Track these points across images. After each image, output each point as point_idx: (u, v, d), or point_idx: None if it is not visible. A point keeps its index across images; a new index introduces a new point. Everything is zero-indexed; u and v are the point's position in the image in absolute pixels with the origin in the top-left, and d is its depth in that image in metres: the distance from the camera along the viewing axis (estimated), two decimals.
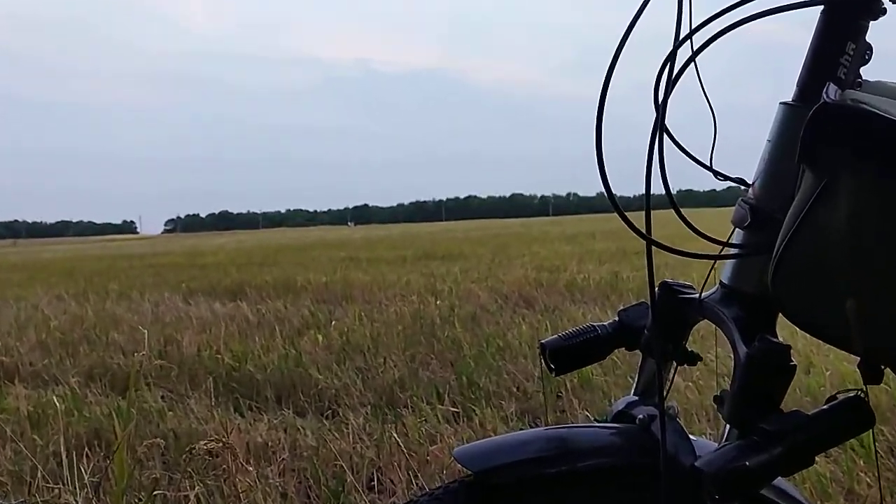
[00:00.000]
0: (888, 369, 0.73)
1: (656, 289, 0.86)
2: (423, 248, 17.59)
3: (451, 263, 11.90)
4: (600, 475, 0.80)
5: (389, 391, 3.61)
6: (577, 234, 21.67)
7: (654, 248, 0.77)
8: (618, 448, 0.81)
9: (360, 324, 5.63)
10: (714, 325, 0.81)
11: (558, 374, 0.92)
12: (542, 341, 0.92)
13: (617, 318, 0.92)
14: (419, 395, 3.48)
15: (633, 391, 0.93)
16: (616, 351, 0.93)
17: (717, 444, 0.77)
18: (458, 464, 0.78)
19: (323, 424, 3.14)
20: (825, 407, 0.73)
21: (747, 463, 0.70)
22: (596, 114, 0.72)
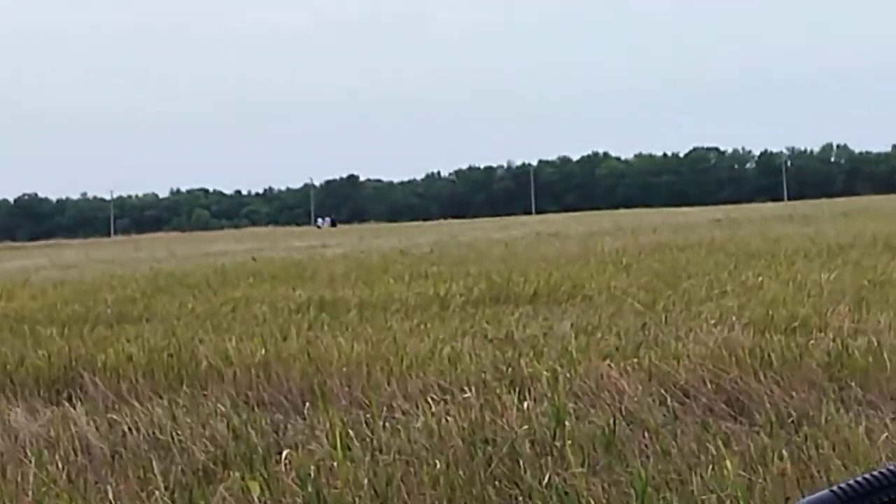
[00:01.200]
0: None
1: None
2: (489, 276, 17.65)
3: (555, 313, 11.94)
4: None
5: None
6: (847, 243, 21.48)
7: None
8: None
9: (346, 456, 5.77)
10: None
11: None
12: (800, 502, 0.96)
13: None
14: None
15: None
16: None
17: None
18: None
19: None
20: None
21: None
22: None
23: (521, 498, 4.94)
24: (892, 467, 0.97)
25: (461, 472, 5.32)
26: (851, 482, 0.96)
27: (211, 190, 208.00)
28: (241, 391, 8.15)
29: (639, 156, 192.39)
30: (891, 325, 9.24)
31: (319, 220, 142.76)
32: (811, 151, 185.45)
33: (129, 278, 24.28)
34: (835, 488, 0.96)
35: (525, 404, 6.85)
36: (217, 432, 6.61)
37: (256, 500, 5.11)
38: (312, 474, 5.38)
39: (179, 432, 6.63)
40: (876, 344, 7.91)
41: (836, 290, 12.32)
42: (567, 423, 6.19)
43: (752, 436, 5.66)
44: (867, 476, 0.96)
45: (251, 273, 23.52)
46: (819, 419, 6.00)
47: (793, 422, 5.99)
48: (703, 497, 4.66)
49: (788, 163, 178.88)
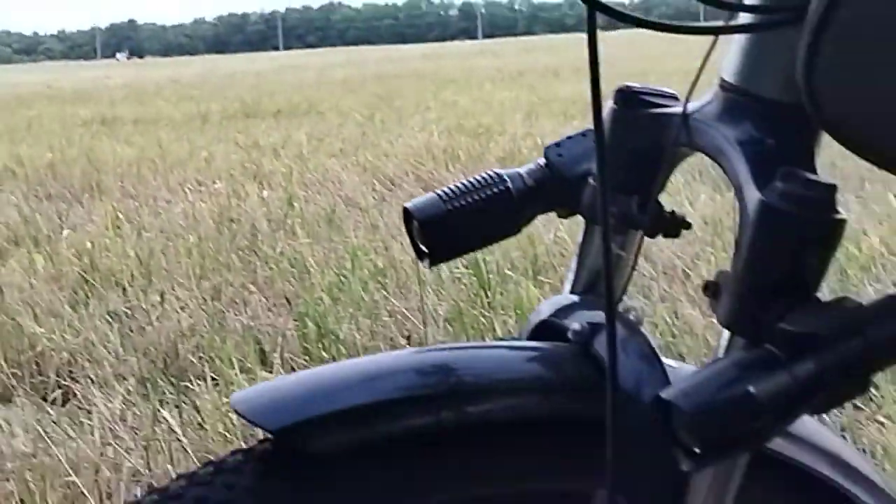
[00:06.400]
0: None
1: (610, 101, 0.88)
2: (242, 98, 17.50)
3: (294, 125, 11.98)
4: (498, 428, 0.82)
5: (171, 352, 3.72)
6: (525, 70, 21.95)
7: (602, 19, 0.76)
8: (532, 382, 0.83)
9: (117, 235, 5.74)
10: (708, 159, 0.82)
11: (435, 261, 0.92)
12: (408, 205, 0.92)
13: (543, 160, 0.94)
14: (226, 356, 3.55)
15: (568, 286, 0.97)
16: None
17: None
18: (241, 417, 0.79)
19: (46, 415, 3.25)
20: (892, 291, 0.74)
21: (751, 389, 0.71)
22: None
23: (259, 263, 4.90)
24: (493, 173, 0.93)
25: (211, 245, 5.31)
26: (456, 184, 0.93)
27: (12, 31, 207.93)
28: (32, 187, 7.95)
29: (366, 4, 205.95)
30: (556, 130, 9.19)
31: (118, 54, 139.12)
32: (500, 1, 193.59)
33: None
34: (440, 190, 0.91)
35: (264, 193, 6.87)
36: (10, 218, 6.48)
37: (39, 269, 5.01)
38: (90, 248, 5.31)
39: None
40: (540, 143, 7.61)
41: (514, 106, 12.62)
42: (297, 205, 6.24)
43: None
44: (473, 179, 0.92)
45: (46, 97, 22.51)
46: None
47: None
48: (403, 260, 4.63)
49: (483, 10, 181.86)
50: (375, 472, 0.81)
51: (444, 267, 4.41)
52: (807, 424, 0.91)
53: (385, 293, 4.21)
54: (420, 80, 20.98)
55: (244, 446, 0.83)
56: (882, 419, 2.73)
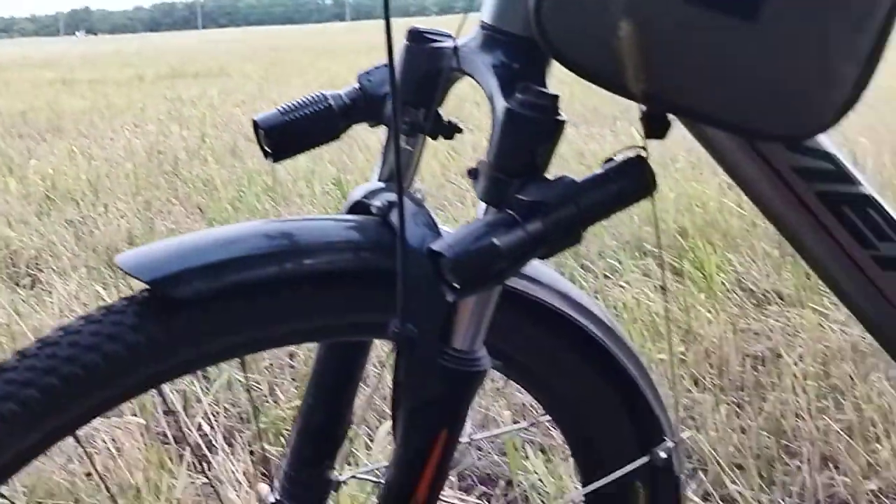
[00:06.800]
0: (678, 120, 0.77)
1: (404, 39, 0.90)
2: (170, 64, 17.06)
3: (208, 83, 11.85)
4: (323, 277, 0.83)
5: (113, 248, 3.66)
6: (381, 44, 21.46)
7: None
8: (347, 243, 0.85)
9: (73, 163, 5.58)
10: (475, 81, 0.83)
11: (277, 159, 0.93)
12: (256, 118, 0.93)
13: (357, 84, 0.96)
14: None
15: (375, 176, 0.99)
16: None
17: None
18: (126, 273, 0.76)
19: (17, 296, 3.16)
20: (598, 171, 0.77)
21: (495, 241, 0.73)
22: None
23: (179, 183, 4.84)
24: (319, 94, 0.94)
25: (143, 170, 5.23)
26: (293, 101, 0.94)
27: None
28: (7, 129, 7.65)
29: None
30: None
31: (77, 32, 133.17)
32: None
33: None
34: (280, 106, 0.93)
35: (184, 132, 6.76)
36: None
37: (13, 190, 4.85)
38: (51, 174, 5.20)
39: None
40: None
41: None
42: (209, 141, 6.13)
43: None
44: (304, 98, 0.93)
45: (20, 64, 21.36)
46: (352, 134, 5.76)
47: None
48: (287, 178, 4.56)
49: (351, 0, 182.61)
50: (229, 313, 0.81)
51: (317, 185, 4.43)
52: (548, 273, 0.93)
53: (273, 203, 4.19)
54: (303, 53, 20.59)
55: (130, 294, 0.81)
56: (623, 284, 2.80)
